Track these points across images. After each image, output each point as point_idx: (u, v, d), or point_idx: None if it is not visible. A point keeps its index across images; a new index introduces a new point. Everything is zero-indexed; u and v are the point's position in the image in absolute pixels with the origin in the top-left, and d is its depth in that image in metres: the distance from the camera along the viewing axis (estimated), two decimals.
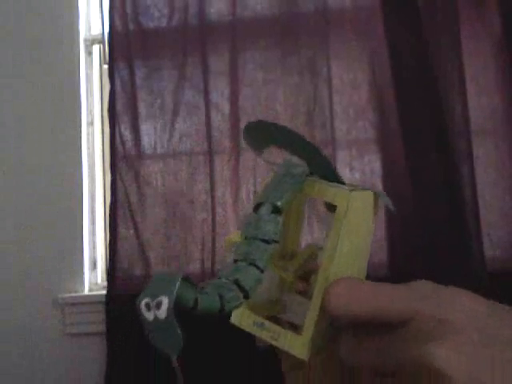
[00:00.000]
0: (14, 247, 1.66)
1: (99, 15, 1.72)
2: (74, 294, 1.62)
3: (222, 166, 1.58)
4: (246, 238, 0.30)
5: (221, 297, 0.27)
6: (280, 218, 0.30)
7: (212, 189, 1.57)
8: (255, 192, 1.55)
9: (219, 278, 0.29)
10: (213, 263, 1.54)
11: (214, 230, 1.56)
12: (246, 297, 0.28)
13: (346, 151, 1.55)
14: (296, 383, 0.37)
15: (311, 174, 0.33)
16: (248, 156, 1.56)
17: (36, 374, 1.62)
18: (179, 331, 0.24)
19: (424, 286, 0.28)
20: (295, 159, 0.34)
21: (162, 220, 1.59)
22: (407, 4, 1.50)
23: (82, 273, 1.64)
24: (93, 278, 1.69)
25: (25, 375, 1.62)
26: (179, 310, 0.24)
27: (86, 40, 1.76)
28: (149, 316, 0.25)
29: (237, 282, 0.28)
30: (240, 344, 1.35)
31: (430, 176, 1.46)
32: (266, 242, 0.29)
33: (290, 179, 0.32)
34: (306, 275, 0.36)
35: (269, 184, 0.32)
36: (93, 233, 1.71)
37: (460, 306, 0.26)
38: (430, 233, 1.44)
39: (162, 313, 0.24)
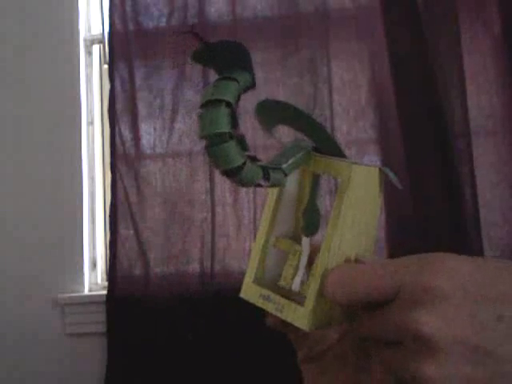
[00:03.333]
0: (14, 247, 1.66)
1: (99, 15, 1.72)
2: (74, 294, 1.62)
3: None
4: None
5: (264, 168, 0.29)
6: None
7: (212, 189, 1.57)
8: (255, 192, 1.55)
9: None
10: (212, 263, 1.54)
11: (213, 229, 1.56)
12: (285, 174, 0.31)
13: (345, 151, 1.55)
14: (311, 374, 0.37)
15: (318, 151, 0.34)
16: None
17: (36, 374, 1.62)
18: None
19: (409, 258, 0.29)
20: (301, 138, 0.35)
21: (161, 220, 1.59)
22: (407, 4, 1.50)
23: (82, 273, 1.64)
24: (93, 278, 1.69)
25: (25, 375, 1.62)
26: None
27: (85, 40, 1.76)
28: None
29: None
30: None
31: (430, 176, 1.45)
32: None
33: (295, 149, 0.33)
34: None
35: (276, 154, 0.33)
36: (93, 233, 1.71)
37: (444, 270, 0.27)
38: (429, 233, 1.44)
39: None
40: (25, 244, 1.66)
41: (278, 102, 0.36)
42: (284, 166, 0.31)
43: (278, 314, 0.32)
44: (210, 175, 1.58)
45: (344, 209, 0.32)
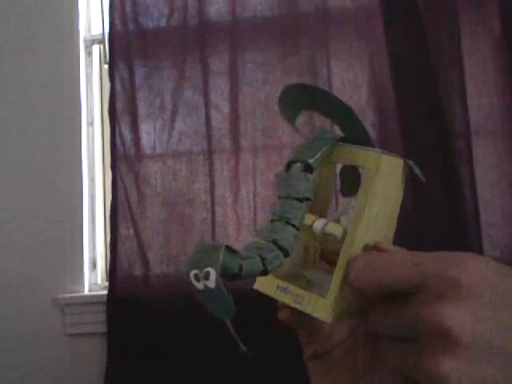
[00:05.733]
0: (14, 247, 1.66)
1: (99, 15, 1.72)
2: (74, 294, 1.62)
3: (221, 166, 1.58)
4: (279, 197, 0.31)
5: (263, 259, 0.27)
6: (311, 176, 0.31)
7: (212, 189, 1.57)
8: (255, 192, 1.55)
9: (257, 239, 0.29)
10: None
11: (213, 229, 1.56)
12: (286, 255, 0.29)
13: None
14: (318, 372, 0.37)
15: (342, 140, 0.34)
16: (248, 156, 1.56)
17: (36, 374, 1.62)
18: (229, 297, 0.26)
19: (437, 252, 0.28)
20: (326, 128, 0.34)
21: (161, 220, 1.59)
22: (407, 4, 1.50)
23: (82, 273, 1.64)
24: (93, 278, 1.69)
25: (25, 375, 1.62)
26: (226, 277, 0.25)
27: (85, 40, 1.76)
28: (199, 286, 0.26)
29: (276, 242, 0.29)
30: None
31: (430, 176, 1.45)
32: (299, 200, 0.30)
33: (321, 141, 0.33)
34: (329, 256, 0.36)
35: (300, 145, 0.32)
36: (93, 233, 1.71)
37: (472, 267, 0.26)
38: (429, 233, 1.44)
39: (211, 283, 0.25)
40: (25, 244, 1.66)
41: (304, 87, 0.35)
42: (311, 160, 0.31)
43: (297, 306, 0.31)
44: (210, 175, 1.58)
45: (370, 199, 0.31)
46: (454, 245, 1.41)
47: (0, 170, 1.70)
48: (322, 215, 0.35)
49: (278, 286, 0.33)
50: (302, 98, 0.35)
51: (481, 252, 1.40)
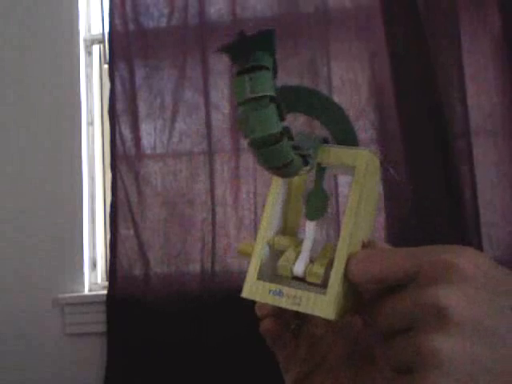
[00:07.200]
0: (14, 247, 1.66)
1: (99, 15, 1.72)
2: (74, 294, 1.62)
3: (221, 165, 1.58)
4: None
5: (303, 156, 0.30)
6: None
7: (212, 189, 1.57)
8: (255, 192, 1.55)
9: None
10: (213, 263, 1.54)
11: (213, 229, 1.56)
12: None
13: None
14: None
15: (325, 142, 0.34)
16: (248, 156, 1.56)
17: (36, 374, 1.62)
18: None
19: (429, 246, 0.29)
20: (308, 131, 0.35)
21: (161, 220, 1.59)
22: (407, 4, 1.50)
23: (82, 273, 1.64)
24: (93, 278, 1.69)
25: (25, 375, 1.62)
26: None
27: (85, 40, 1.76)
28: None
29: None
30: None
31: (430, 176, 1.45)
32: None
33: (311, 143, 0.33)
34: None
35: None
36: (93, 233, 1.71)
37: (466, 254, 0.27)
38: (429, 233, 1.44)
39: None
40: (25, 244, 1.66)
41: (290, 87, 0.35)
42: (311, 150, 0.32)
43: (295, 308, 0.31)
44: (210, 175, 1.58)
45: (361, 196, 0.32)
46: (453, 244, 1.41)
47: (0, 170, 1.70)
48: (292, 234, 0.36)
49: (270, 291, 0.32)
50: (291, 98, 0.35)
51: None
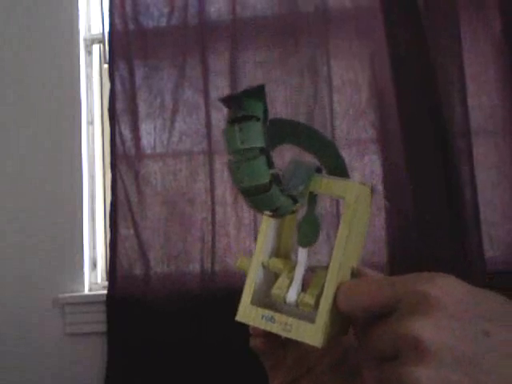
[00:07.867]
0: (14, 247, 1.66)
1: (99, 15, 1.72)
2: (74, 294, 1.62)
3: (221, 165, 1.58)
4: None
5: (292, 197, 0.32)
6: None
7: (212, 188, 1.57)
8: None
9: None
10: (213, 263, 1.54)
11: (213, 229, 1.56)
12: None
13: (346, 151, 1.55)
14: None
15: (319, 171, 0.36)
16: None
17: (36, 374, 1.62)
18: None
19: (409, 275, 0.31)
20: (302, 158, 0.36)
21: (161, 219, 1.59)
22: (407, 4, 1.50)
23: (82, 273, 1.64)
24: (93, 278, 1.69)
25: (25, 375, 1.62)
26: None
27: (85, 40, 1.76)
28: None
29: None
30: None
31: (430, 176, 1.45)
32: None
33: (305, 171, 0.34)
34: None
35: (285, 173, 0.34)
36: (93, 233, 1.71)
37: (439, 283, 0.28)
38: (429, 233, 1.44)
39: None
40: (25, 244, 1.66)
41: (285, 120, 0.37)
42: (301, 187, 0.33)
43: (285, 334, 0.33)
44: (210, 175, 1.58)
45: (352, 227, 0.33)
46: (454, 244, 1.41)
47: (0, 170, 1.70)
48: (286, 256, 0.38)
49: (262, 316, 0.34)
50: (285, 131, 0.37)
51: (481, 252, 1.40)
